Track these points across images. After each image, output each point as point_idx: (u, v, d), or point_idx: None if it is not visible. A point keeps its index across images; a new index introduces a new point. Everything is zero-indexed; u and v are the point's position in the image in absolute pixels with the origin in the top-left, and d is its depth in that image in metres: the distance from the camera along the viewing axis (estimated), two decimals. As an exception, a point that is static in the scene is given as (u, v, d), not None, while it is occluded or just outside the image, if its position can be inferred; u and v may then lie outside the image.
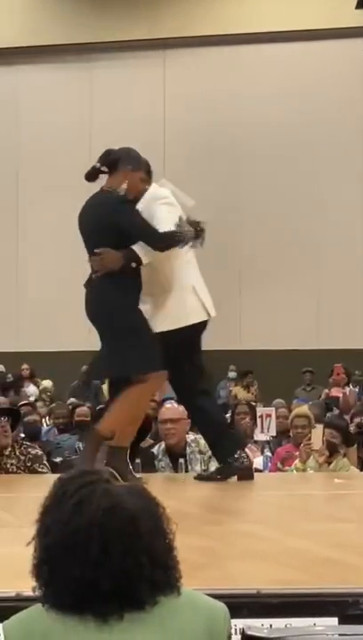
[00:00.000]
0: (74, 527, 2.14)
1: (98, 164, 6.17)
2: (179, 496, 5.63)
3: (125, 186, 6.12)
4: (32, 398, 15.49)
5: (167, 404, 7.52)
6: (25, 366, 18.77)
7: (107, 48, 20.45)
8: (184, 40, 20.23)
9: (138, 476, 6.00)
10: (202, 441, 7.32)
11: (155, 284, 6.16)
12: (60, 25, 20.30)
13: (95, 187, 6.26)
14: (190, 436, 7.28)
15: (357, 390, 14.89)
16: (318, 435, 7.45)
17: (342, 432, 7.79)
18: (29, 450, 6.95)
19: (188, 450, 7.12)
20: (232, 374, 19.09)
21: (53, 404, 13.70)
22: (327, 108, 19.73)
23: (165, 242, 6.02)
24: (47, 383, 17.90)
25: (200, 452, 7.15)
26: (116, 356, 5.99)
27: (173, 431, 7.07)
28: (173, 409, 7.12)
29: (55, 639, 2.14)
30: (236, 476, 6.30)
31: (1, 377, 18.32)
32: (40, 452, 7.08)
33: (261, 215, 19.82)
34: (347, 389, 14.20)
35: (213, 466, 7.13)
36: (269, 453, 8.68)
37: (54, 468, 7.53)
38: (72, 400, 14.32)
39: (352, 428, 9.41)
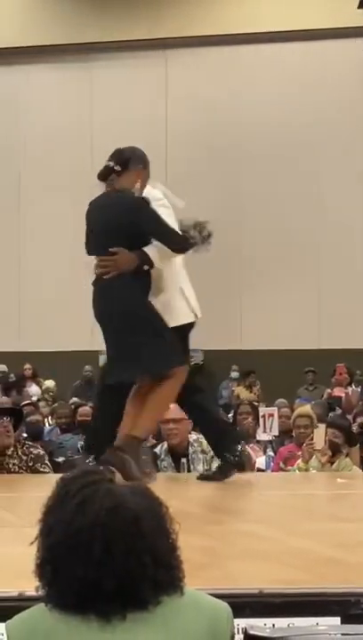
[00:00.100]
0: (77, 527, 2.14)
1: (112, 163, 6.10)
2: (181, 496, 5.63)
3: (138, 185, 6.11)
4: (34, 398, 15.48)
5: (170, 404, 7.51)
6: (27, 366, 18.77)
7: (107, 48, 20.45)
8: (185, 40, 20.23)
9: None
10: (204, 441, 7.32)
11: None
12: (60, 25, 20.30)
13: (96, 186, 6.25)
14: (193, 436, 7.28)
15: (359, 390, 14.87)
16: (320, 434, 7.44)
17: (345, 432, 7.79)
18: (31, 450, 6.95)
19: (190, 450, 7.12)
20: (234, 374, 19.10)
21: (56, 404, 13.71)
22: (328, 108, 19.73)
23: (185, 245, 6.06)
24: (50, 383, 17.91)
25: (203, 452, 7.15)
26: (147, 354, 5.95)
27: (175, 431, 7.06)
28: (175, 409, 7.11)
29: (58, 639, 2.15)
30: (236, 473, 6.31)
31: (3, 377, 18.33)
32: (42, 452, 7.08)
33: (262, 215, 19.82)
34: (349, 389, 14.18)
35: (216, 466, 7.14)
36: (271, 453, 8.68)
37: (56, 467, 7.54)
38: (74, 400, 14.33)
39: (355, 428, 9.41)
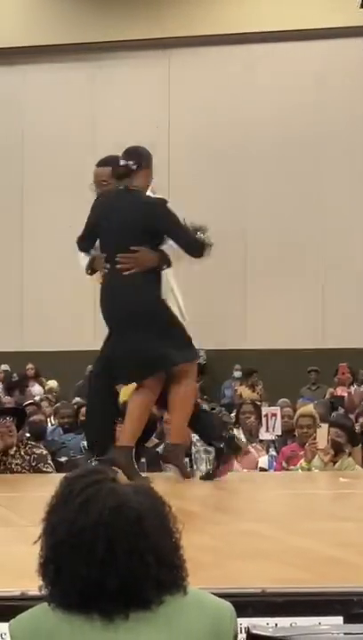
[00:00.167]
0: (80, 526, 2.14)
1: (130, 163, 6.13)
2: (183, 495, 5.64)
3: (152, 185, 6.17)
4: (37, 398, 15.49)
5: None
6: (30, 366, 18.78)
7: (109, 48, 20.45)
8: (187, 40, 20.22)
9: (143, 475, 6.02)
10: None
11: None
12: (62, 25, 20.30)
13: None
14: (196, 436, 7.28)
15: (362, 389, 14.88)
16: (323, 434, 7.44)
17: (348, 431, 7.79)
18: (34, 449, 6.95)
19: (193, 449, 7.12)
20: (237, 374, 19.10)
21: (58, 404, 13.71)
22: (329, 108, 19.72)
23: (202, 251, 6.12)
24: (53, 383, 17.92)
25: (206, 452, 7.15)
26: (171, 348, 6.03)
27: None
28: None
29: (61, 638, 2.15)
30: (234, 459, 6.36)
31: (6, 376, 18.34)
32: (45, 452, 7.08)
33: (265, 215, 19.81)
34: (352, 388, 14.20)
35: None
36: (274, 452, 8.68)
37: (59, 467, 7.54)
38: (77, 399, 14.33)
39: (358, 428, 9.41)
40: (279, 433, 9.09)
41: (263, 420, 8.97)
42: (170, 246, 6.06)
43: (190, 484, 6.33)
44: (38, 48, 20.65)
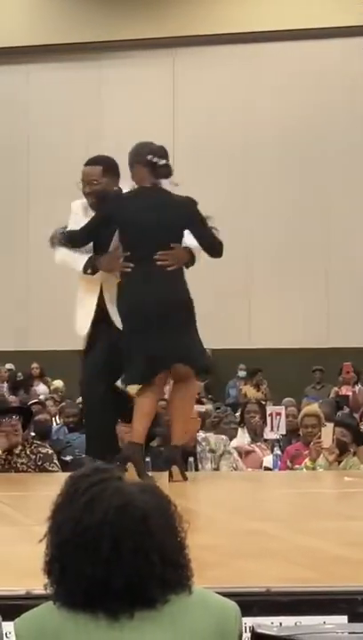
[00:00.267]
0: (85, 525, 2.14)
1: (170, 162, 6.20)
2: (188, 494, 5.64)
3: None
4: (42, 397, 15.49)
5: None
6: (35, 365, 18.78)
7: (113, 47, 20.45)
8: (193, 39, 20.21)
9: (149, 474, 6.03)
10: (212, 439, 7.35)
11: None
12: (67, 24, 20.30)
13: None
14: (201, 435, 7.30)
15: (366, 389, 14.85)
16: (328, 433, 7.44)
17: (353, 431, 7.79)
18: (40, 449, 6.95)
19: (198, 448, 7.14)
20: (242, 373, 19.09)
21: (63, 403, 13.72)
22: (332, 106, 19.70)
23: (222, 251, 6.25)
24: (58, 383, 17.92)
25: (211, 451, 7.17)
26: (201, 347, 6.18)
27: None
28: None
29: (66, 637, 2.15)
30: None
31: (11, 376, 18.34)
32: (51, 451, 7.08)
33: (270, 214, 19.81)
34: (357, 388, 14.17)
35: (224, 465, 7.15)
36: (278, 452, 8.68)
37: (64, 466, 7.53)
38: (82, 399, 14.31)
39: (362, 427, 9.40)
40: (284, 432, 9.09)
41: (268, 419, 8.97)
42: (188, 245, 6.14)
43: (195, 483, 6.33)
44: (42, 48, 20.65)
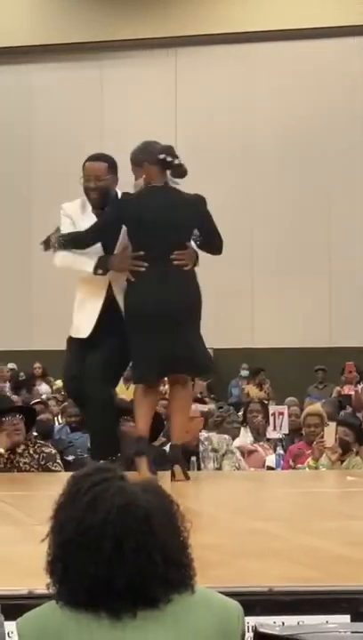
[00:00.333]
0: (88, 524, 2.14)
1: (183, 161, 6.19)
2: (190, 494, 5.64)
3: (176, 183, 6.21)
4: (44, 397, 15.50)
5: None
6: (37, 365, 18.78)
7: (115, 47, 20.45)
8: (194, 39, 20.21)
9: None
10: (215, 439, 7.34)
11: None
12: (69, 23, 20.31)
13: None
14: (203, 434, 7.29)
15: (369, 388, 14.85)
16: (330, 432, 7.44)
17: (355, 430, 7.78)
18: (43, 448, 6.95)
19: (201, 448, 7.13)
20: (244, 372, 19.10)
21: (65, 403, 13.72)
22: (334, 105, 19.69)
23: (222, 249, 6.25)
24: (61, 383, 17.90)
25: (213, 450, 7.16)
26: (205, 348, 6.18)
27: (186, 429, 7.08)
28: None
29: (69, 636, 2.15)
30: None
31: (13, 375, 18.34)
32: (54, 451, 7.07)
33: (270, 214, 19.81)
34: (359, 387, 14.17)
35: (227, 464, 7.15)
36: (281, 451, 8.68)
37: (67, 466, 7.54)
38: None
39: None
40: (287, 431, 9.09)
41: (271, 418, 8.98)
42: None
43: (198, 482, 6.33)
44: (43, 47, 20.66)
